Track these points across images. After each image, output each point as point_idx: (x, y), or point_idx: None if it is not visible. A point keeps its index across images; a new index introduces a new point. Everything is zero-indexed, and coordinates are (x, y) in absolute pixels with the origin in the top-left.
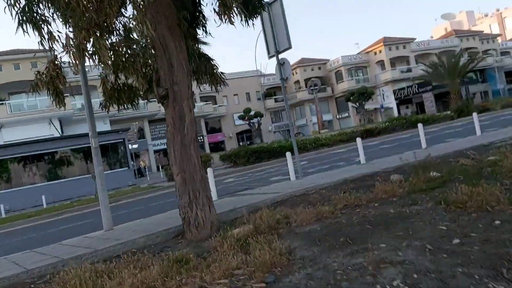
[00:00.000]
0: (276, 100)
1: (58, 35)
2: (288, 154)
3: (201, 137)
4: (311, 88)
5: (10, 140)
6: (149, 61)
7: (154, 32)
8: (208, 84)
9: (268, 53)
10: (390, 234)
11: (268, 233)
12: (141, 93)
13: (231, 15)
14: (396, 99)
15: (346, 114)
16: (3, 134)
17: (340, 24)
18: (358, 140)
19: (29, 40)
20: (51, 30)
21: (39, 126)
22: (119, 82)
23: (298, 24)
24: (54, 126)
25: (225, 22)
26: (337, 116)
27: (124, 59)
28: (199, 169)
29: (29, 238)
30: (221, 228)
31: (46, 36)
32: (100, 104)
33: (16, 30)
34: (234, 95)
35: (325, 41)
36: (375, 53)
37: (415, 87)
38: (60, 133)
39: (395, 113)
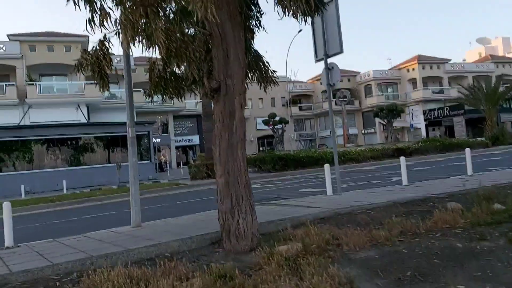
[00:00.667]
0: (301, 108)
1: (110, 12)
2: (326, 166)
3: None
4: (339, 99)
5: (36, 121)
6: (202, 51)
7: (215, 18)
8: (257, 82)
9: (316, 56)
10: (466, 274)
11: (318, 254)
12: (187, 84)
13: (298, 7)
14: (425, 119)
15: (372, 130)
16: (30, 114)
17: (372, 38)
18: (402, 159)
19: (64, 24)
20: (104, 6)
21: (67, 111)
22: (167, 70)
23: None
24: (82, 112)
25: (288, 15)
26: (363, 131)
27: (176, 45)
28: (244, 172)
29: (51, 225)
30: (262, 241)
31: (98, 12)
32: (145, 92)
33: (67, 2)
34: (259, 98)
35: (356, 53)
36: (408, 70)
37: (446, 109)
38: (87, 119)
39: (423, 134)
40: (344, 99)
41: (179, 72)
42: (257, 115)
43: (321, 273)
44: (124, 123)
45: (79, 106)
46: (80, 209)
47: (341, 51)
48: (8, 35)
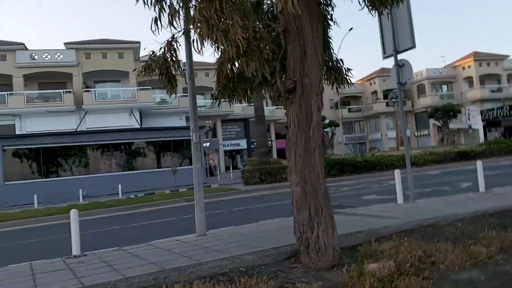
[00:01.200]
0: (350, 110)
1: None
2: (397, 172)
3: (270, 142)
4: (392, 99)
5: (92, 127)
6: (275, 48)
7: (295, 10)
8: (329, 82)
9: (384, 52)
10: None
11: (414, 275)
12: (254, 85)
13: None
14: (483, 120)
15: (426, 132)
16: (86, 120)
17: (424, 35)
18: (479, 163)
19: (115, 31)
20: (173, 3)
21: (120, 116)
22: (235, 71)
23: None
24: (135, 117)
25: (368, 5)
26: (415, 133)
27: (248, 42)
28: (322, 180)
29: (113, 232)
30: (343, 256)
31: (167, 10)
32: (212, 95)
33: (136, 2)
34: None
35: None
36: (463, 68)
37: (506, 108)
38: (140, 124)
39: (481, 136)
40: (397, 100)
41: (247, 73)
42: None
43: None
44: (175, 128)
45: (132, 112)
46: (138, 215)
47: (413, 46)
48: (64, 43)
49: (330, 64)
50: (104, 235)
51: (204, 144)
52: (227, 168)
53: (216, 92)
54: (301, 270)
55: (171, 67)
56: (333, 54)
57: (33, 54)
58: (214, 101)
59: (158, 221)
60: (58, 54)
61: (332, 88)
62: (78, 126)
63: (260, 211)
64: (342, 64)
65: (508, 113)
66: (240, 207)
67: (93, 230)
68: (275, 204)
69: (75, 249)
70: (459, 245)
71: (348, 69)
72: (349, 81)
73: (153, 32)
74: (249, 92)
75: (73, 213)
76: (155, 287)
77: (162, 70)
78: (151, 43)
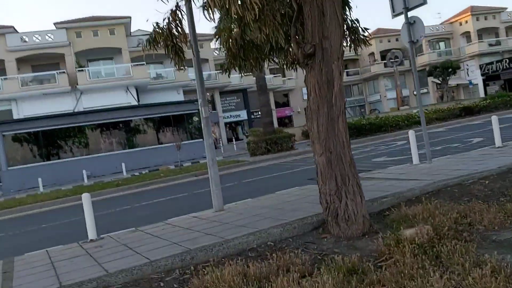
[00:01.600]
0: (348, 74)
1: None
2: (411, 132)
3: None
4: (390, 60)
5: (89, 107)
6: (289, 11)
7: None
8: (346, 44)
9: (393, 11)
10: None
11: (454, 238)
12: (264, 52)
13: None
14: (482, 74)
15: (425, 90)
16: (83, 100)
17: None
18: (494, 118)
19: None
20: None
21: (116, 94)
22: (245, 39)
23: None
24: (131, 94)
25: None
26: (414, 92)
27: (261, 5)
28: (348, 148)
29: (126, 211)
30: (372, 223)
31: None
32: (221, 66)
33: None
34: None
35: None
36: (460, 24)
37: (505, 61)
38: (137, 101)
39: (480, 90)
40: (396, 60)
41: (259, 40)
42: (303, 85)
43: (474, 262)
44: (174, 103)
45: (128, 89)
46: (148, 192)
47: (424, 2)
48: (54, 24)
49: (346, 24)
50: (117, 215)
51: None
52: (229, 140)
53: (226, 63)
54: (331, 240)
55: (177, 39)
56: (348, 13)
57: (24, 37)
58: (224, 72)
59: (169, 198)
60: (49, 35)
61: (350, 51)
62: (76, 107)
63: (272, 181)
64: (358, 24)
65: (507, 66)
66: (250, 179)
67: (104, 211)
68: (285, 173)
69: (91, 233)
70: (493, 204)
71: (365, 29)
72: (367, 42)
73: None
74: (261, 60)
75: (85, 197)
76: (183, 269)
77: (167, 42)
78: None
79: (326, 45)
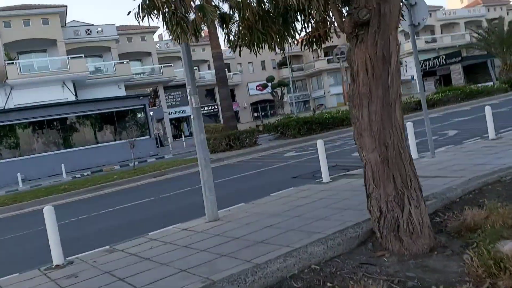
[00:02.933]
0: (292, 70)
1: None
2: (410, 124)
3: (215, 106)
4: (336, 56)
5: (21, 103)
6: None
7: None
8: None
9: None
10: None
11: None
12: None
13: None
14: (420, 70)
15: None
16: (13, 96)
17: None
18: (488, 108)
19: None
20: None
21: (52, 89)
22: (265, 7)
23: None
24: (69, 89)
25: None
26: None
27: None
28: (405, 142)
29: (84, 222)
30: (435, 235)
31: None
32: (230, 42)
33: None
34: (249, 63)
35: None
36: None
37: (442, 58)
38: (75, 96)
39: (417, 86)
40: (342, 55)
41: (283, 8)
42: (248, 80)
43: None
44: (114, 98)
45: (64, 83)
46: (103, 198)
47: None
48: None
49: None
50: (75, 228)
51: (151, 113)
52: (174, 137)
53: (237, 37)
54: (393, 259)
55: (180, 5)
56: None
57: None
58: (233, 49)
59: (133, 203)
60: None
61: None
62: (6, 103)
63: (252, 181)
64: None
65: (444, 62)
66: (223, 179)
67: (59, 221)
68: (261, 171)
69: (57, 257)
70: None
71: None
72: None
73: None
74: (286, 35)
75: (48, 211)
76: None
77: (168, 8)
78: (85, 5)
79: (385, 10)
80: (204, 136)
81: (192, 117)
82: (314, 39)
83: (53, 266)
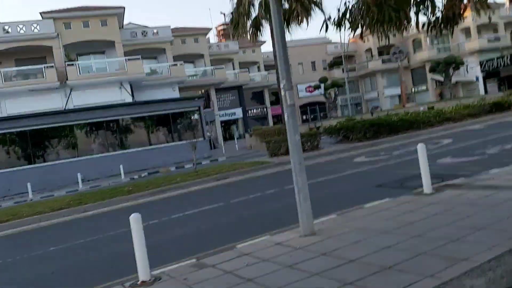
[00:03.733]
0: (344, 70)
1: None
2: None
3: (265, 109)
4: (394, 55)
5: (79, 104)
6: None
7: None
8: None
9: None
10: None
11: None
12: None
13: None
14: (482, 71)
15: (424, 87)
16: (72, 97)
17: None
18: None
19: None
20: None
21: (109, 90)
22: None
23: None
24: (126, 90)
25: None
26: (413, 89)
27: None
28: None
29: (156, 228)
30: None
31: None
32: (336, 22)
33: None
34: (298, 64)
35: None
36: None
37: (507, 57)
38: (132, 98)
39: (481, 87)
40: (400, 55)
41: None
42: (297, 81)
43: None
44: (170, 100)
45: (122, 85)
46: (168, 201)
47: None
48: (41, 13)
49: None
50: (148, 234)
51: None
52: (225, 139)
53: (359, 16)
54: None
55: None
56: None
57: (6, 27)
58: (353, 30)
59: (203, 208)
60: (35, 25)
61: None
62: (66, 104)
63: (330, 188)
64: None
65: (508, 63)
66: (288, 185)
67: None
68: (335, 177)
69: (143, 273)
70: None
71: None
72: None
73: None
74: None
75: (135, 220)
76: None
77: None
78: (139, 7)
79: None
80: (299, 137)
81: (285, 115)
82: (446, 20)
83: (139, 283)
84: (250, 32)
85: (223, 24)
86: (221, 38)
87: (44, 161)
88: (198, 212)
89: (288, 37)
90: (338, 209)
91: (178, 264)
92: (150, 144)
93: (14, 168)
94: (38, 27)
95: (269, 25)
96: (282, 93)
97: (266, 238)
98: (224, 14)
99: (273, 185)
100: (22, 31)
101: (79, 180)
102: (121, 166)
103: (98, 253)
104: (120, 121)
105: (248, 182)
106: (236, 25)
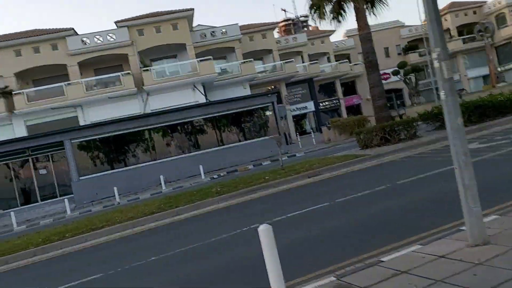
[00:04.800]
0: (420, 54)
1: None
2: None
3: (337, 101)
4: (480, 33)
5: (156, 108)
6: None
7: None
8: None
9: None
10: None
11: None
12: None
13: None
14: None
15: (511, 66)
16: (150, 102)
17: None
18: None
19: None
20: None
21: (183, 93)
22: None
23: None
24: (199, 91)
25: None
26: (499, 69)
27: None
28: None
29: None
30: None
31: None
32: None
33: None
34: None
35: None
36: None
37: None
38: (206, 98)
39: None
40: (487, 32)
41: None
42: None
43: None
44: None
45: (195, 86)
46: (260, 202)
47: None
48: (115, 22)
49: None
50: (249, 241)
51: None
52: (297, 134)
53: None
54: None
55: None
56: None
57: (84, 39)
58: None
59: (308, 209)
60: (110, 35)
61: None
62: (144, 108)
63: (448, 181)
64: None
65: None
66: (409, 178)
67: (225, 233)
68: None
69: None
70: None
71: None
72: None
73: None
74: None
75: (265, 232)
76: None
77: None
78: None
79: None
80: (462, 122)
81: (442, 93)
82: None
83: None
84: (330, 17)
85: (284, 20)
86: (282, 34)
87: (126, 165)
88: (305, 213)
89: (372, 20)
90: (492, 205)
91: (316, 284)
92: (225, 143)
93: (100, 174)
94: (114, 36)
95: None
96: (436, 64)
97: (417, 248)
98: (285, 11)
99: (380, 180)
100: (99, 41)
101: (162, 182)
102: (200, 167)
103: (201, 263)
104: (195, 122)
105: (345, 178)
106: (316, 9)
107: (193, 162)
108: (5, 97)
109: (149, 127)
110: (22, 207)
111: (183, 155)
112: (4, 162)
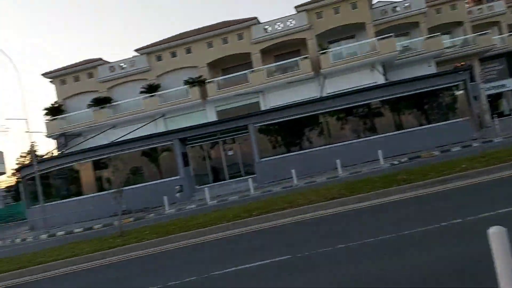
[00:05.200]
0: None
1: None
2: None
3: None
4: None
5: (332, 91)
6: None
7: None
8: None
9: None
10: None
11: None
12: None
13: None
14: None
15: None
16: (326, 85)
17: None
18: None
19: None
20: None
21: (360, 74)
22: None
23: None
24: (378, 71)
25: None
26: None
27: None
28: None
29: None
30: None
31: None
32: None
33: None
34: None
35: None
36: None
37: None
38: (386, 79)
39: None
40: None
41: None
42: None
43: None
44: (428, 76)
45: (373, 66)
46: (461, 193)
47: None
48: (295, 7)
49: None
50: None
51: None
52: (492, 117)
53: None
54: None
55: None
56: None
57: (266, 27)
58: None
59: None
60: (290, 20)
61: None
62: (321, 92)
63: None
64: None
65: None
66: None
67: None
68: None
69: None
70: None
71: None
72: None
73: None
74: None
75: (498, 236)
76: None
77: None
78: None
79: None
80: None
81: None
82: None
83: None
84: None
85: None
86: (471, 4)
87: (302, 149)
88: None
89: None
90: None
91: None
92: (406, 127)
93: (278, 156)
94: (293, 21)
95: None
96: None
97: None
98: None
99: None
100: (279, 28)
101: (338, 166)
102: (379, 152)
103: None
104: (372, 105)
105: None
106: None
107: (369, 146)
108: (200, 86)
109: (324, 110)
110: (213, 184)
111: (359, 139)
112: (199, 144)
